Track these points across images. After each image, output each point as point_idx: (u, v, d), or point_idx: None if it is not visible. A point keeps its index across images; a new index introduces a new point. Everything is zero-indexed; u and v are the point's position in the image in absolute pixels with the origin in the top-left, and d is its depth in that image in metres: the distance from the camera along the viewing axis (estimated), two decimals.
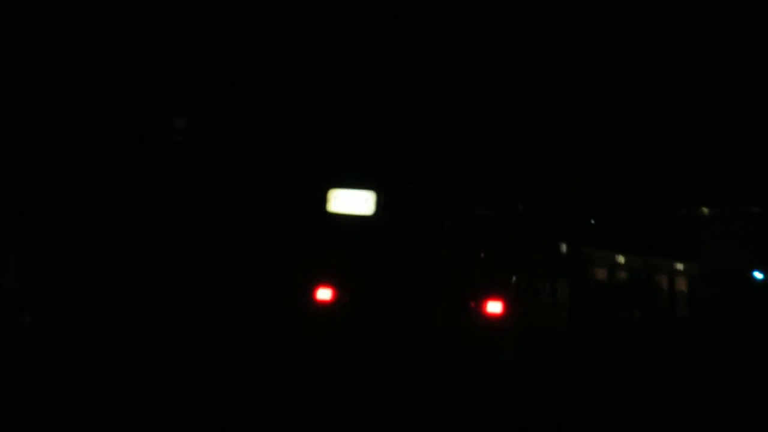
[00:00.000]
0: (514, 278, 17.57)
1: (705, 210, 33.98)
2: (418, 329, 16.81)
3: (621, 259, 25.19)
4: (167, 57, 24.32)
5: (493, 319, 16.95)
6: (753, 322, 30.19)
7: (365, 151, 17.95)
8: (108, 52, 23.84)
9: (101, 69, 24.09)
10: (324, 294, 16.77)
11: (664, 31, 29.51)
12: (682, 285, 28.47)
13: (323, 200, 17.10)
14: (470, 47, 25.92)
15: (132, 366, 16.17)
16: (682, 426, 15.60)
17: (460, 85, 24.72)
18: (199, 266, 19.94)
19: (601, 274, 23.35)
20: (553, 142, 26.95)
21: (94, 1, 24.14)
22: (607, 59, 29.16)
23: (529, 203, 19.62)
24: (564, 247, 20.46)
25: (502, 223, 17.92)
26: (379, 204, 16.98)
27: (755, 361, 24.96)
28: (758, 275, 32.94)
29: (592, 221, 26.29)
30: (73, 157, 22.72)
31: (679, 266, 28.45)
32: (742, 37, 30.33)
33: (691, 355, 25.60)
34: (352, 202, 17.07)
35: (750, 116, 31.96)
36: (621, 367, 20.77)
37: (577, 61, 28.64)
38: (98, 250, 21.47)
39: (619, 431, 14.84)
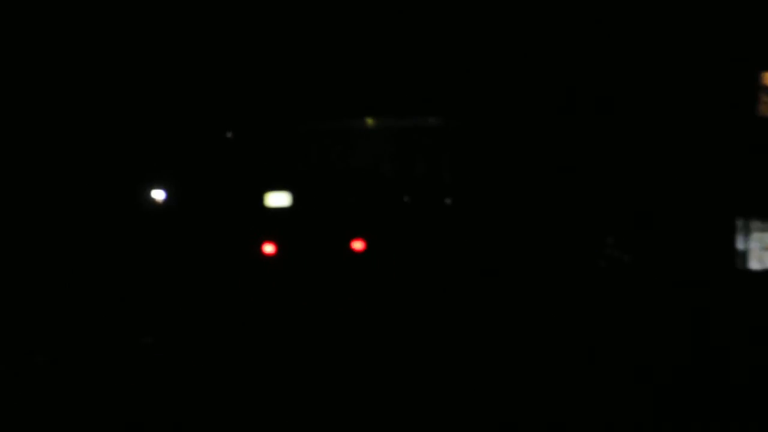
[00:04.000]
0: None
1: (370, 121, 32.59)
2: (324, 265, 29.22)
3: None
4: None
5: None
6: None
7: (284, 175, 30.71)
8: None
9: None
10: (269, 248, 29.60)
11: None
12: None
13: (263, 199, 30.49)
14: None
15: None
16: None
17: None
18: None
19: None
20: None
21: None
22: None
23: None
24: None
25: None
26: (293, 198, 30.30)
27: None
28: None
29: (229, 135, 32.50)
30: None
31: None
32: None
33: None
34: (278, 198, 30.39)
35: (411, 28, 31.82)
36: None
37: None
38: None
39: None
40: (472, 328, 24.48)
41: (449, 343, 22.73)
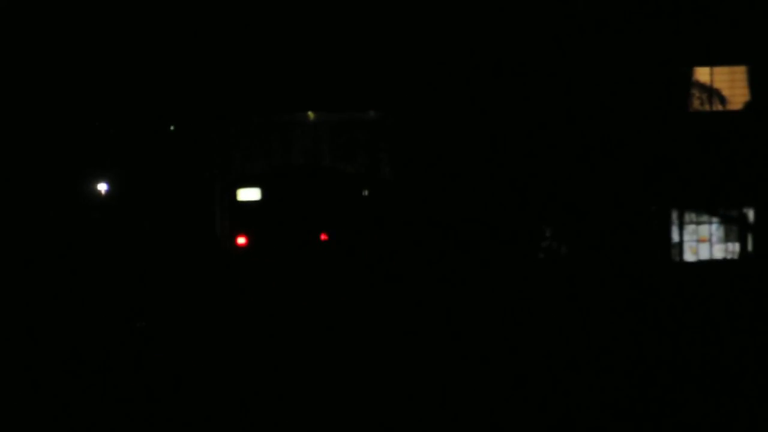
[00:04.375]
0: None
1: (311, 115, 34.55)
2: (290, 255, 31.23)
3: None
4: None
5: None
6: None
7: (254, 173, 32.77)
8: None
9: None
10: (241, 240, 31.31)
11: None
12: None
13: (236, 194, 31.76)
14: None
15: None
16: None
17: None
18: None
19: None
20: None
21: None
22: None
23: None
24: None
25: None
26: (262, 193, 31.69)
27: None
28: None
29: (172, 128, 34.02)
30: None
31: None
32: None
33: None
34: (249, 193, 31.72)
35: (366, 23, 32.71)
36: None
37: None
38: None
39: None
40: (417, 315, 25.07)
41: (398, 327, 23.45)
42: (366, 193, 32.91)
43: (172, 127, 33.73)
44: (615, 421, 15.29)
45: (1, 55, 31.33)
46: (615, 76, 30.36)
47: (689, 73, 31.05)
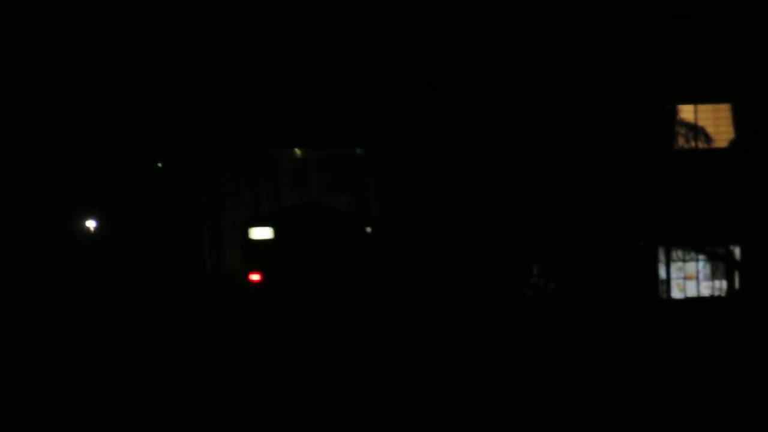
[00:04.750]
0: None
1: (298, 152, 35.20)
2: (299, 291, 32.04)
3: None
4: None
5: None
6: None
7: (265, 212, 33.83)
8: None
9: None
10: (255, 276, 32.38)
11: None
12: None
13: (248, 233, 32.77)
14: None
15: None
16: None
17: None
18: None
19: None
20: None
21: None
22: None
23: None
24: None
25: None
26: (274, 232, 32.75)
27: None
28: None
29: (159, 165, 34.45)
30: None
31: None
32: None
33: None
34: (261, 232, 32.77)
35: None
36: None
37: None
38: None
39: None
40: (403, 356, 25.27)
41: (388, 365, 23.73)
42: (369, 230, 33.69)
43: (159, 164, 33.91)
44: None
45: None
46: (601, 114, 30.58)
47: (674, 111, 31.30)
